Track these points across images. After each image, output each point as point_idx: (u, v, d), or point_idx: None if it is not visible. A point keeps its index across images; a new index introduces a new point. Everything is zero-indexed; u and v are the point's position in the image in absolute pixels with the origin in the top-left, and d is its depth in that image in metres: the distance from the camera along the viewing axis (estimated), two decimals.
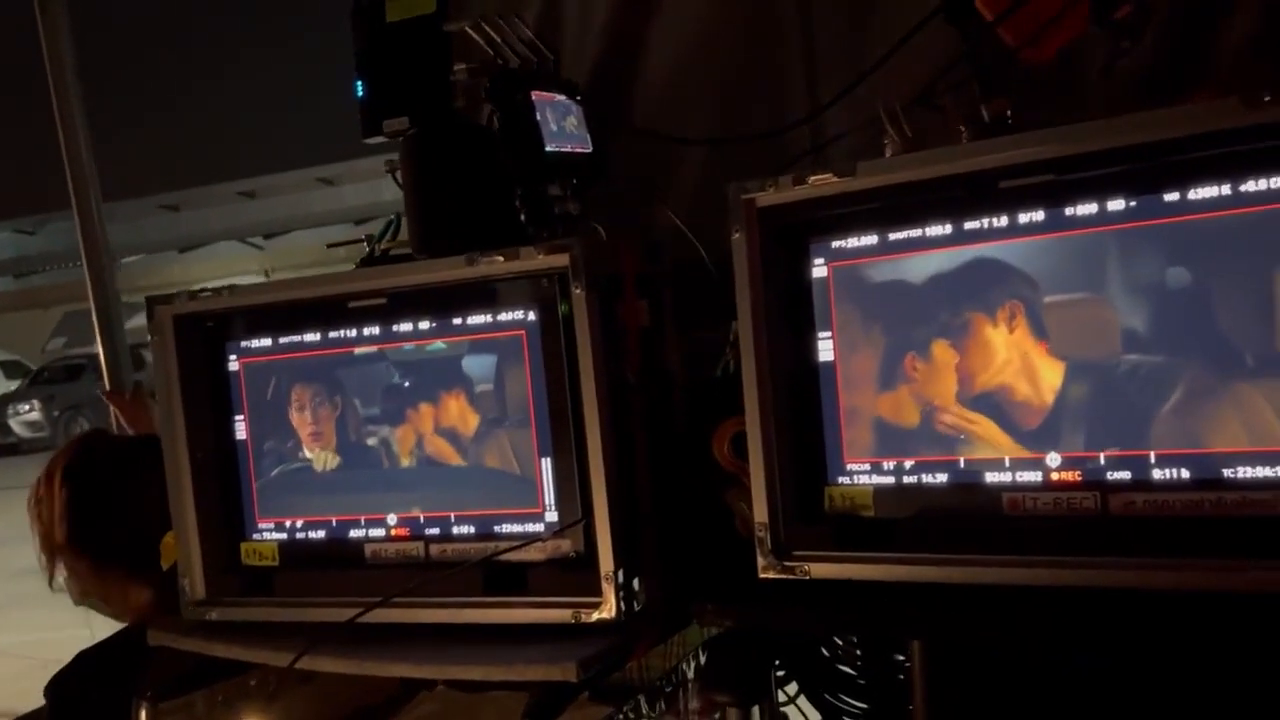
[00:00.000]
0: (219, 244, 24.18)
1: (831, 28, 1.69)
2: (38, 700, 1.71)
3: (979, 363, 1.14)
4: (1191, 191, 1.03)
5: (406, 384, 1.37)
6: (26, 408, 17.90)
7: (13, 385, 19.65)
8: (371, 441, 1.39)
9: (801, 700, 1.64)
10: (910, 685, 1.39)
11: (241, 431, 1.47)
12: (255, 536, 1.48)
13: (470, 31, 1.56)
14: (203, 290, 1.44)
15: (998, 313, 1.12)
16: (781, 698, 1.65)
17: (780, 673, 1.63)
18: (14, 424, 17.79)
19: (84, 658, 1.73)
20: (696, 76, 1.81)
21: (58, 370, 18.74)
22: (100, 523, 1.70)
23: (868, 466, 1.21)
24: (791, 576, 1.21)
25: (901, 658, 1.57)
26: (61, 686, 1.70)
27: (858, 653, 1.59)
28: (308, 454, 1.43)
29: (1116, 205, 1.06)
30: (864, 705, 1.59)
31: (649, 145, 1.80)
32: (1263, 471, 1.01)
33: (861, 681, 1.60)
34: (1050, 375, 1.10)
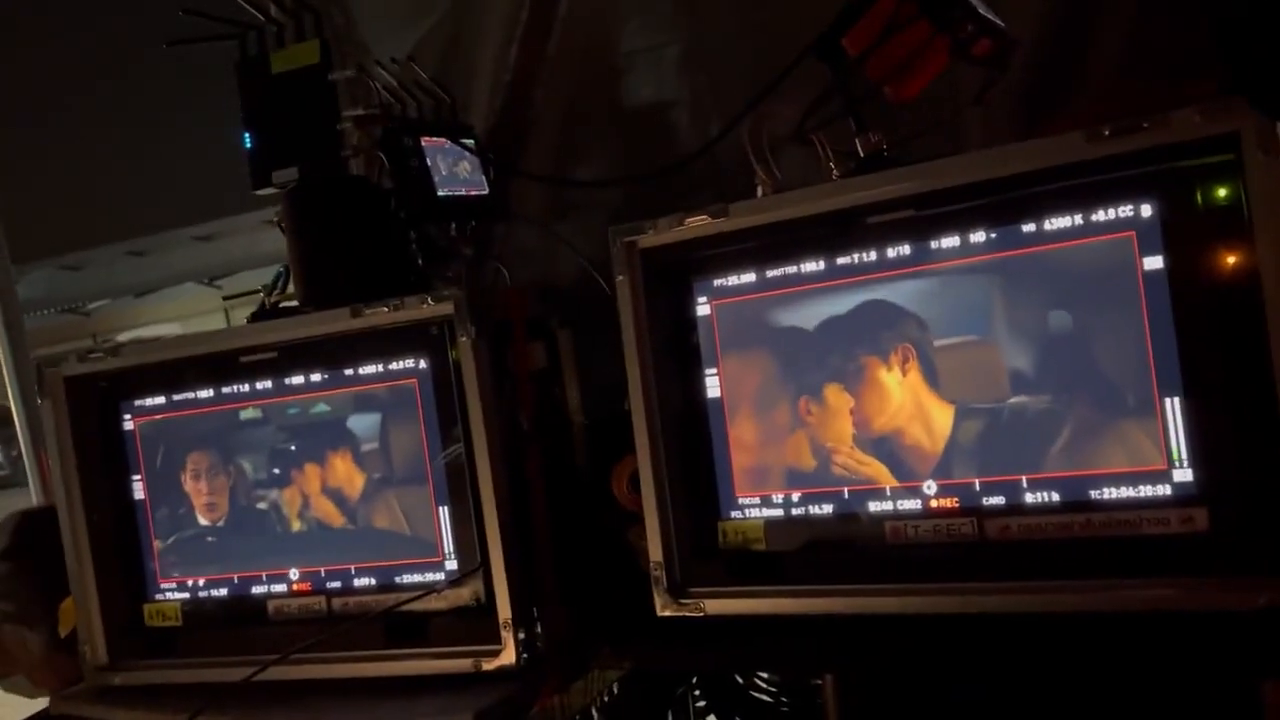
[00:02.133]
0: (183, 285, 24.52)
1: (722, 63, 1.71)
2: None
3: (874, 407, 1.15)
4: (1047, 222, 1.06)
5: (292, 447, 1.36)
6: None
7: None
8: (262, 506, 1.39)
9: None
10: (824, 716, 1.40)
11: (139, 491, 1.45)
12: (158, 597, 1.46)
13: (365, 76, 1.57)
14: (93, 352, 1.42)
15: (890, 356, 1.14)
16: None
17: (700, 703, 1.63)
18: None
19: None
20: (593, 116, 1.82)
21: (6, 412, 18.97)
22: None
23: (758, 500, 1.23)
24: (688, 614, 1.22)
25: (818, 681, 1.58)
26: None
27: (773, 680, 1.59)
28: (201, 520, 1.42)
29: (978, 237, 1.09)
30: None
31: (552, 185, 1.81)
32: (1127, 492, 1.04)
33: (783, 709, 1.61)
34: (941, 420, 1.12)
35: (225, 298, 1.62)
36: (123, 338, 1.43)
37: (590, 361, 1.49)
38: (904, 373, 1.13)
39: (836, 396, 1.17)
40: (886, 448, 1.15)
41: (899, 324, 1.13)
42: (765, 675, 1.60)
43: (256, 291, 1.55)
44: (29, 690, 1.73)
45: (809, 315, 1.18)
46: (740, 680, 1.59)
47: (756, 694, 1.58)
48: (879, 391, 1.15)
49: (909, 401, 1.13)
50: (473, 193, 1.56)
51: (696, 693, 1.64)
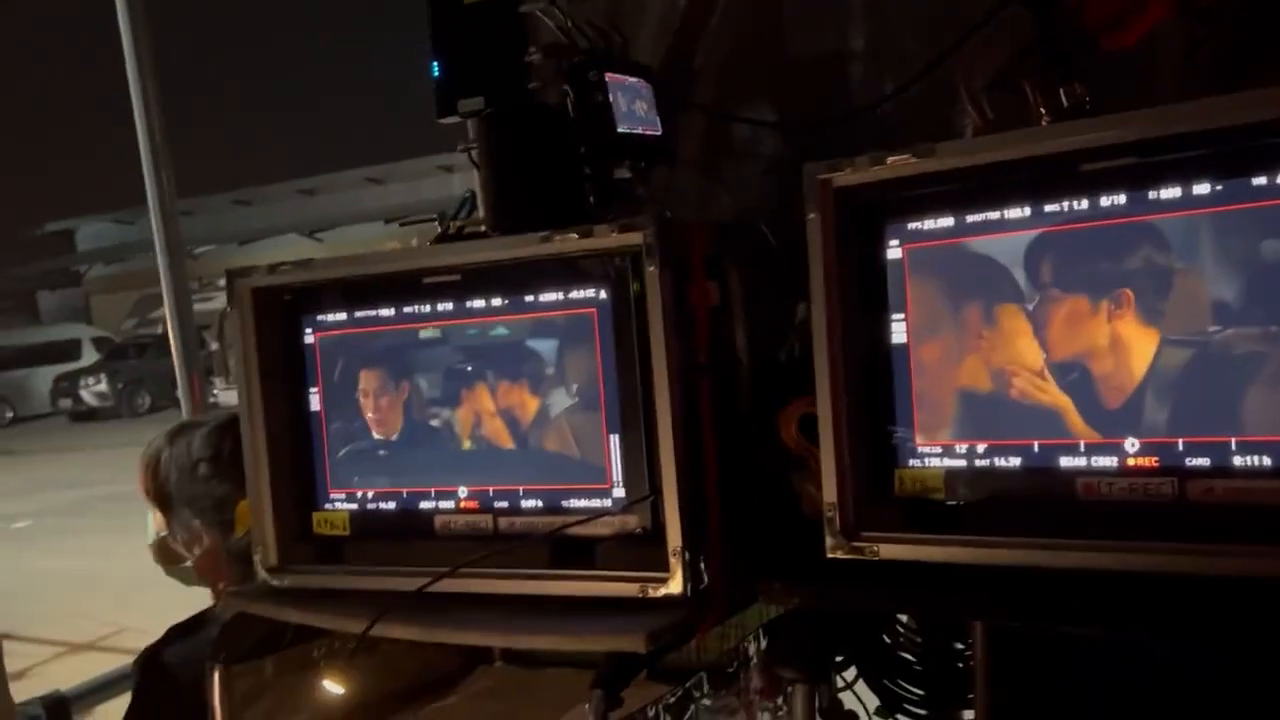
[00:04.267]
0: (284, 236, 25.63)
1: (900, 12, 1.69)
2: None
3: (1064, 336, 1.13)
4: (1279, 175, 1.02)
5: (469, 367, 1.39)
6: (94, 381, 20.09)
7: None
8: (435, 423, 1.42)
9: (858, 686, 1.65)
10: (970, 673, 1.39)
11: (315, 404, 1.50)
12: (327, 506, 1.51)
13: (541, 15, 1.58)
14: (282, 264, 1.47)
15: (1107, 289, 1.10)
16: (838, 683, 1.66)
17: (838, 658, 1.63)
18: (84, 394, 20.11)
19: (173, 632, 1.79)
20: (762, 62, 1.81)
21: (127, 348, 20.96)
22: None
23: (939, 450, 1.22)
24: (860, 557, 1.22)
25: (961, 646, 1.57)
26: (150, 660, 1.75)
27: (917, 640, 1.59)
28: (375, 433, 1.46)
29: (1202, 189, 1.05)
30: (922, 691, 1.59)
31: (714, 131, 1.81)
32: None
33: (920, 668, 1.60)
34: (1144, 350, 1.09)
35: (401, 222, 1.65)
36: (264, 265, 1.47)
37: (748, 307, 1.49)
38: (1115, 315, 1.10)
39: (1019, 321, 1.14)
40: (1076, 380, 1.12)
41: (1119, 261, 1.09)
42: (910, 635, 1.59)
43: (430, 219, 1.59)
44: (191, 581, 1.83)
45: (1009, 258, 1.15)
46: (885, 639, 1.58)
47: (901, 653, 1.58)
48: (1075, 326, 1.12)
49: (1103, 336, 1.10)
50: (648, 132, 1.57)
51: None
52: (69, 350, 22.22)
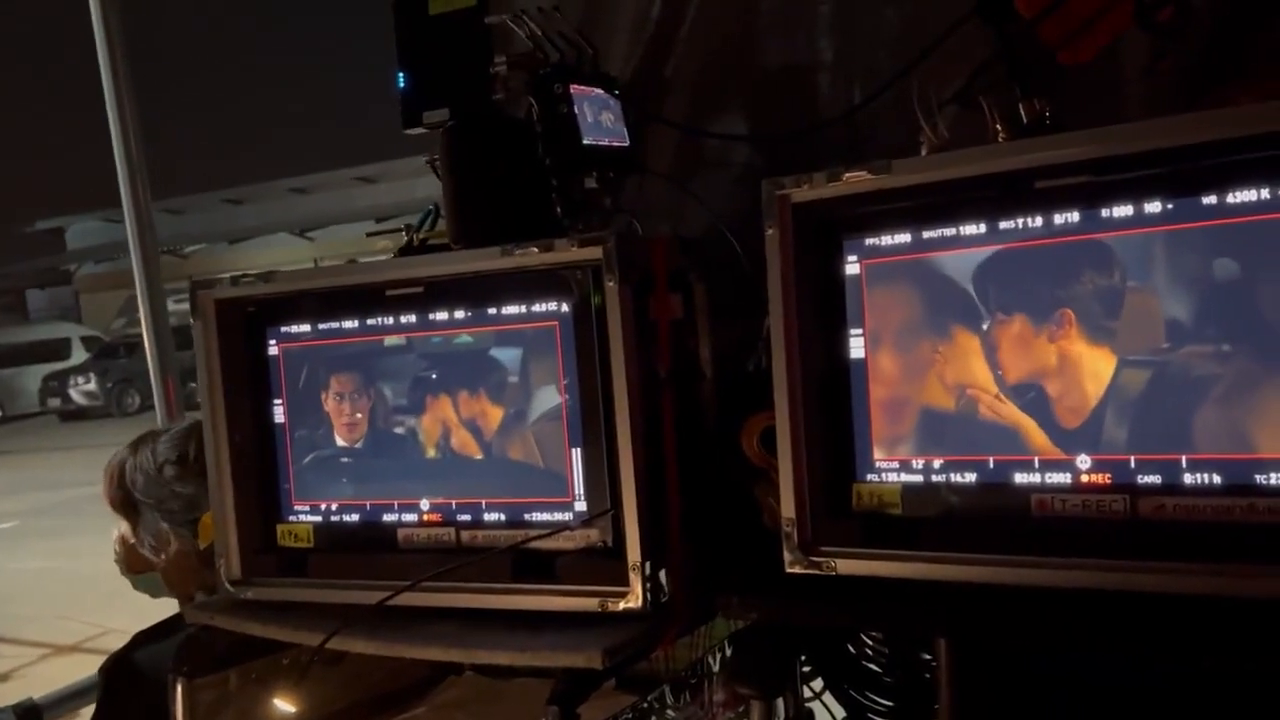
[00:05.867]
0: (275, 235, 25.56)
1: (869, 25, 1.69)
2: None
3: (1019, 356, 1.13)
4: (1230, 194, 1.02)
5: (434, 376, 1.39)
6: (83, 380, 19.93)
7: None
8: (399, 431, 1.42)
9: (827, 696, 1.65)
10: (936, 685, 1.39)
11: (280, 415, 1.50)
12: (291, 518, 1.50)
13: (511, 24, 1.58)
14: (245, 276, 1.47)
15: (1050, 311, 1.11)
16: (807, 693, 1.66)
17: (806, 668, 1.63)
18: (73, 393, 19.91)
19: (140, 638, 1.78)
20: (733, 73, 1.81)
21: (116, 347, 20.77)
22: None
23: (896, 465, 1.22)
24: (818, 572, 1.22)
25: (928, 656, 1.57)
26: (115, 666, 1.75)
27: (884, 650, 1.59)
28: (339, 440, 1.46)
29: (1153, 208, 1.06)
30: (889, 703, 1.59)
31: (686, 141, 1.81)
32: None
33: (888, 679, 1.60)
34: (1097, 372, 1.09)
35: (368, 234, 1.65)
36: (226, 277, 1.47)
37: (713, 320, 1.49)
38: (1059, 336, 1.10)
39: (976, 342, 1.15)
40: (1033, 399, 1.12)
41: (1068, 280, 1.10)
42: (876, 646, 1.59)
43: (398, 230, 1.59)
44: (159, 590, 1.82)
45: (974, 271, 1.15)
46: (851, 649, 1.59)
47: (867, 664, 1.58)
48: (1028, 346, 1.12)
49: (1055, 357, 1.11)
50: (615, 144, 1.57)
51: (802, 657, 1.64)
52: (58, 349, 22.13)
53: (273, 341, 1.50)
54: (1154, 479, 1.07)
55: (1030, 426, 1.13)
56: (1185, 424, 1.05)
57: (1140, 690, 1.24)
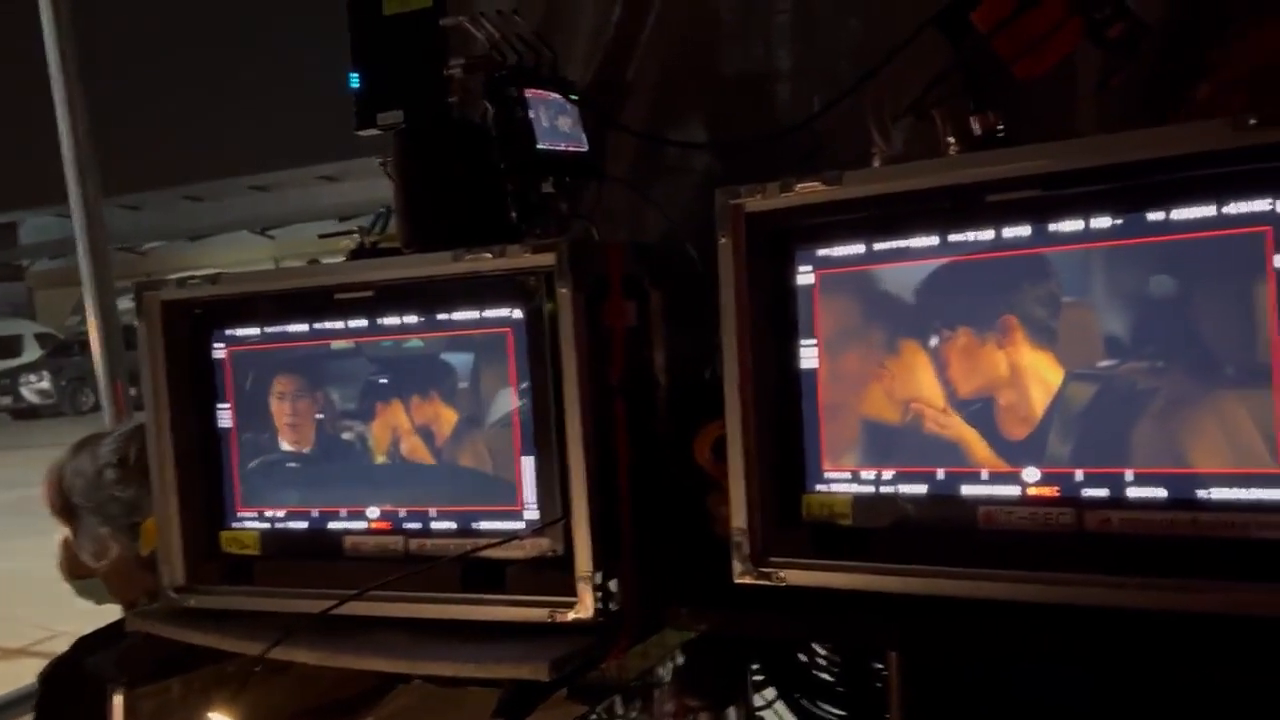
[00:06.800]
0: (236, 233, 25.23)
1: (829, 35, 1.69)
2: None
3: (966, 370, 1.14)
4: (1175, 211, 1.03)
5: (383, 380, 1.37)
6: (36, 378, 19.58)
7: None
8: (347, 436, 1.40)
9: (780, 705, 1.65)
10: (887, 694, 1.39)
11: (226, 420, 1.47)
12: (236, 525, 1.48)
13: (469, 26, 1.56)
14: (191, 278, 1.44)
15: (993, 319, 1.11)
16: (759, 701, 1.65)
17: (758, 677, 1.63)
18: (25, 391, 19.51)
19: (81, 644, 1.74)
20: (693, 80, 1.81)
21: (71, 344, 20.15)
22: None
23: (847, 475, 1.22)
24: (767, 583, 1.22)
25: (879, 666, 1.57)
26: (54, 674, 1.70)
27: (835, 660, 1.59)
28: (286, 445, 1.43)
29: (1102, 223, 1.06)
30: (841, 712, 1.59)
31: (645, 147, 1.80)
32: (1238, 494, 1.01)
33: (839, 689, 1.60)
34: (1046, 381, 1.10)
35: (320, 235, 1.62)
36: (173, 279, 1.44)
37: (669, 327, 1.48)
38: (1003, 341, 1.11)
39: (924, 356, 1.15)
40: (979, 412, 1.13)
41: (1001, 294, 1.11)
42: (828, 655, 1.59)
43: (351, 232, 1.56)
44: (102, 596, 1.78)
45: (914, 288, 1.16)
46: (803, 658, 1.58)
47: (819, 673, 1.58)
48: (975, 359, 1.13)
49: (1006, 368, 1.11)
50: (571, 149, 1.56)
51: (755, 667, 1.64)
52: (10, 346, 21.73)
53: (219, 344, 1.47)
54: (1100, 492, 1.08)
55: (974, 439, 1.13)
56: (1128, 439, 1.06)
57: (1086, 701, 1.25)
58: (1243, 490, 1.01)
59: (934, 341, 1.14)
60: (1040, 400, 1.10)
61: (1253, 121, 0.95)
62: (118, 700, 1.49)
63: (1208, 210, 1.01)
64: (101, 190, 2.50)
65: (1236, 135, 0.97)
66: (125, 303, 3.09)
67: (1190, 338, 1.02)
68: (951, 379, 1.14)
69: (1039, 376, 1.09)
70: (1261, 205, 0.99)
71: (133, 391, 2.13)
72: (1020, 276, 1.09)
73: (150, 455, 1.46)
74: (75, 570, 1.78)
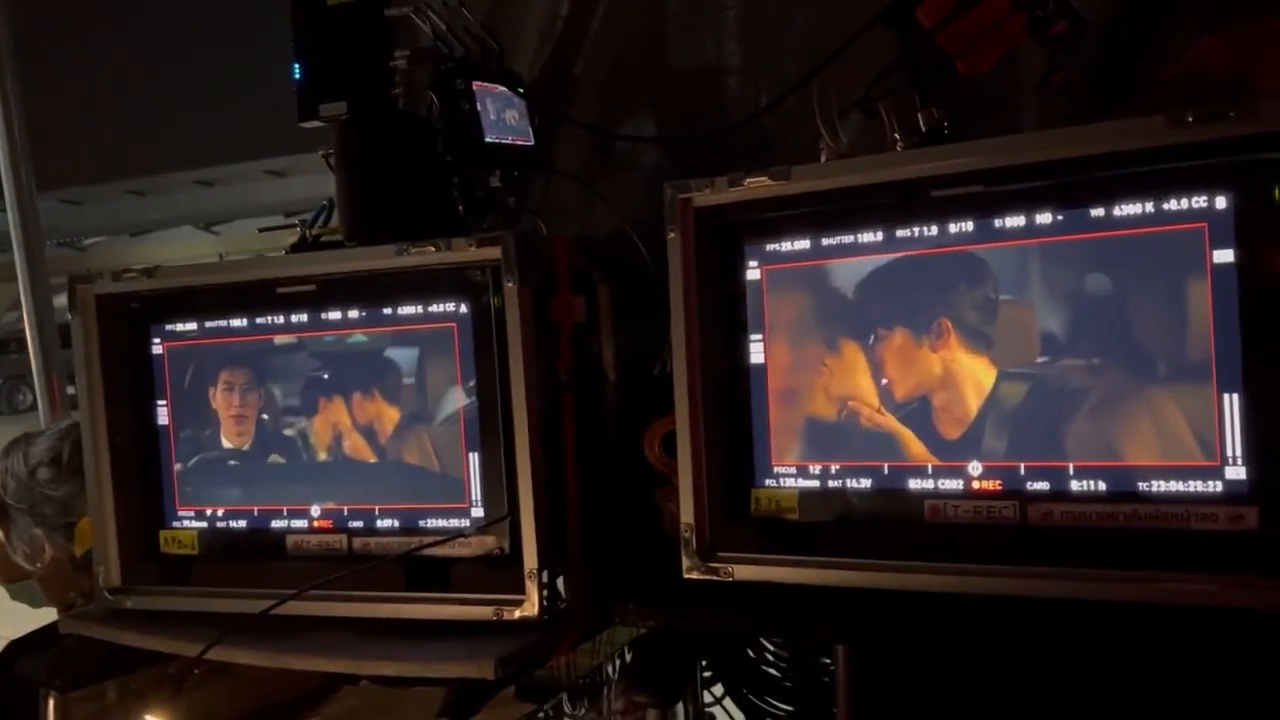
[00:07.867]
0: (179, 229, 24.69)
1: (777, 30, 1.69)
2: None
3: (901, 371, 1.15)
4: (1116, 207, 1.04)
5: (326, 376, 1.35)
6: None
7: None
8: (289, 433, 1.37)
9: (729, 700, 1.65)
10: (835, 688, 1.39)
11: (163, 417, 1.44)
12: (175, 524, 1.44)
13: (414, 18, 1.54)
14: (127, 271, 1.40)
15: (929, 321, 1.13)
16: (708, 698, 1.65)
17: (707, 673, 1.63)
18: None
19: (13, 648, 1.69)
20: (642, 75, 1.80)
21: (7, 342, 19.53)
22: None
23: (794, 470, 1.22)
24: (715, 578, 1.21)
25: (826, 660, 1.58)
26: None
27: (783, 655, 1.59)
28: (226, 442, 1.40)
29: (1042, 219, 1.07)
30: (789, 707, 1.60)
31: (594, 141, 1.79)
32: (1175, 486, 1.03)
33: (787, 684, 1.61)
34: (979, 383, 1.11)
35: (260, 229, 1.59)
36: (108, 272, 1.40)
37: (619, 322, 1.47)
38: (939, 340, 1.12)
39: (863, 354, 1.16)
40: (915, 409, 1.14)
41: (942, 289, 1.12)
42: (775, 650, 1.60)
43: (292, 225, 1.53)
44: (37, 599, 1.73)
45: (860, 283, 1.16)
46: (751, 654, 1.58)
47: (766, 668, 1.58)
48: (910, 361, 1.14)
49: (941, 367, 1.12)
50: (519, 142, 1.54)
51: (703, 663, 1.63)
52: None
53: (157, 340, 1.43)
54: (1042, 485, 1.09)
55: (910, 439, 1.14)
56: (1064, 435, 1.07)
57: (1030, 693, 1.27)
58: (1180, 483, 1.02)
59: (871, 341, 1.15)
60: (974, 401, 1.11)
61: (1190, 119, 0.97)
62: (51, 705, 1.44)
63: (1146, 206, 1.03)
64: (37, 184, 2.44)
65: (1174, 132, 0.98)
66: (62, 299, 3.01)
67: (1127, 334, 1.04)
68: (887, 379, 1.14)
69: (973, 378, 1.11)
70: (1199, 201, 1.00)
71: (70, 390, 2.07)
72: (958, 276, 1.10)
73: (85, 453, 1.42)
74: (9, 573, 1.73)
